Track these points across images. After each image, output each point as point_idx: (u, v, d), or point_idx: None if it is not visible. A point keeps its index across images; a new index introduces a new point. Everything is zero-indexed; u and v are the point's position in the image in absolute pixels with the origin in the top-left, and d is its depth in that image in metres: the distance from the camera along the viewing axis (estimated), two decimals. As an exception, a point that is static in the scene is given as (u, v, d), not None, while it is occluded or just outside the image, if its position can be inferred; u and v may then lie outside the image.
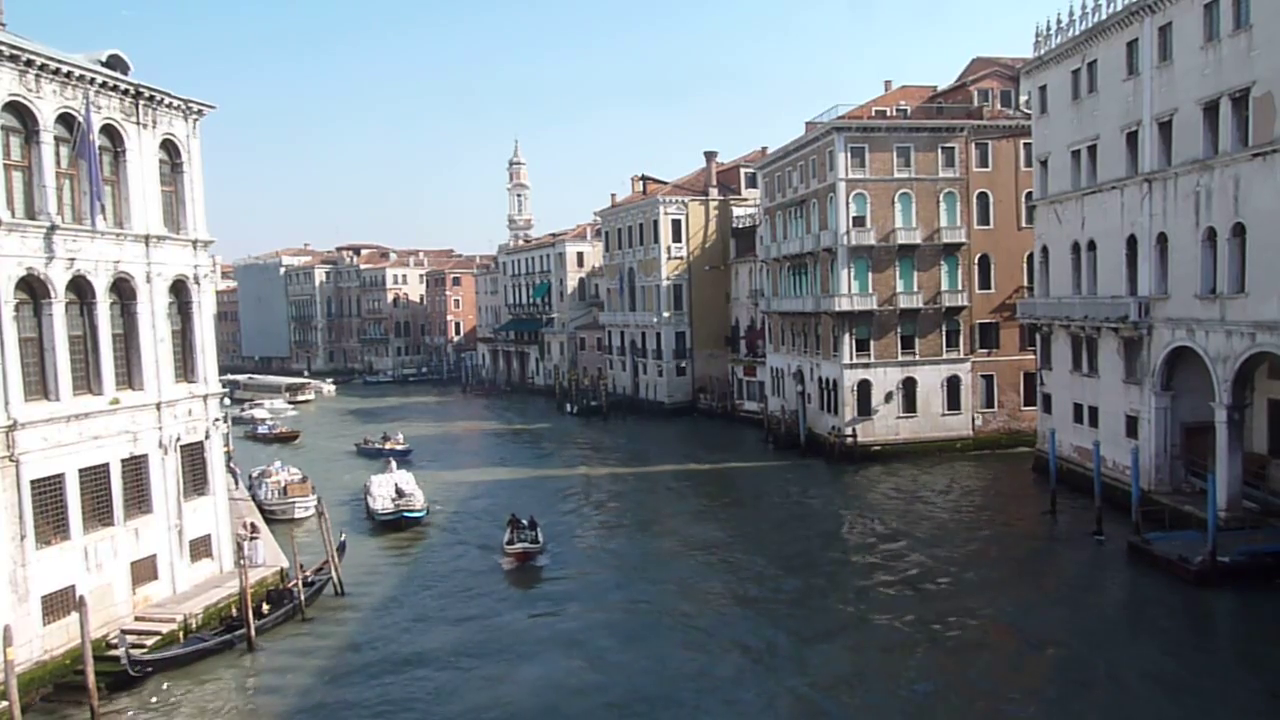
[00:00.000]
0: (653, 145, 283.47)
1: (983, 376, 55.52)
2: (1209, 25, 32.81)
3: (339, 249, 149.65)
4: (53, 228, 25.17)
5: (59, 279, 25.49)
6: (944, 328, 55.26)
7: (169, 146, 30.36)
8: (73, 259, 25.93)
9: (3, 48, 23.86)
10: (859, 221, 54.25)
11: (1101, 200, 40.29)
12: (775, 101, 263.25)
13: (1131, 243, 38.01)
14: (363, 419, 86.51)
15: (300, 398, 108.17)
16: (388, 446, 62.12)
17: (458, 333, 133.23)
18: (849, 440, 53.75)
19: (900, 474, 49.39)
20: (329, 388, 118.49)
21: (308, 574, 31.67)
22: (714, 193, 78.46)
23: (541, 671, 25.47)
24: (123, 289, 28.24)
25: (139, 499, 28.24)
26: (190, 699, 24.21)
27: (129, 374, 28.51)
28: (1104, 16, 39.17)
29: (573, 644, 27.27)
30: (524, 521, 37.85)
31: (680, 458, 59.00)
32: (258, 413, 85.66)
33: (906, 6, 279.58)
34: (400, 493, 45.17)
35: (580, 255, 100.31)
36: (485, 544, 38.73)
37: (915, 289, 54.78)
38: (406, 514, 42.74)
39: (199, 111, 31.23)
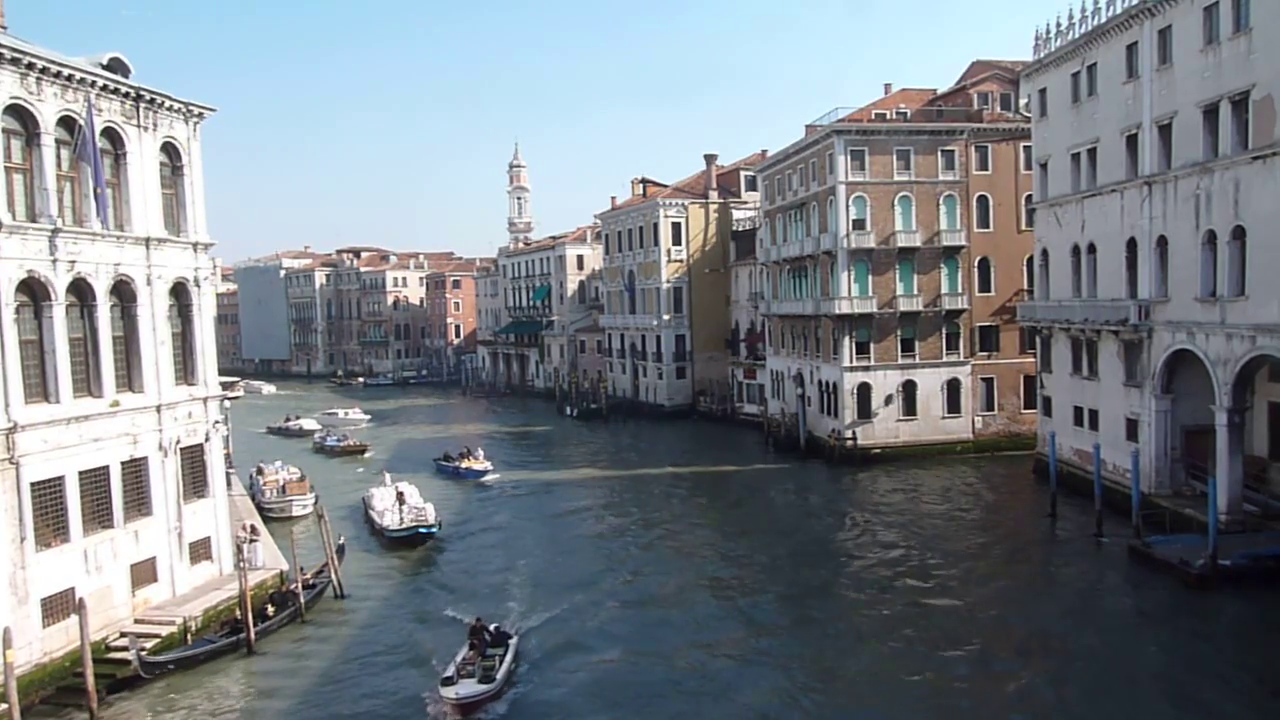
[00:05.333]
0: (653, 147, 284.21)
1: (983, 379, 55.51)
2: (1208, 28, 32.83)
3: (339, 251, 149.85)
4: (54, 230, 25.18)
5: (60, 281, 25.49)
6: (944, 330, 55.25)
7: (170, 149, 30.37)
8: (73, 261, 25.93)
9: (4, 51, 23.88)
10: (859, 224, 54.25)
11: (1101, 203, 40.30)
12: (775, 103, 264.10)
13: (1131, 245, 38.01)
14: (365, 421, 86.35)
15: (229, 394, 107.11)
16: (465, 465, 55.99)
17: (458, 335, 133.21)
18: (849, 443, 53.74)
19: (900, 477, 49.33)
20: (269, 388, 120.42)
21: (307, 576, 31.66)
22: (714, 195, 78.47)
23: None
24: (123, 291, 28.24)
25: (139, 501, 28.22)
26: (189, 702, 24.17)
27: (129, 376, 28.50)
28: (1103, 20, 39.19)
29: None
30: (490, 631, 25.77)
31: (680, 460, 58.89)
32: (305, 423, 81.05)
33: (906, 9, 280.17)
34: (406, 506, 41.33)
35: (580, 258, 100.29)
36: (487, 566, 36.13)
37: (915, 292, 54.77)
38: (421, 529, 39.42)
39: (199, 114, 31.25)
